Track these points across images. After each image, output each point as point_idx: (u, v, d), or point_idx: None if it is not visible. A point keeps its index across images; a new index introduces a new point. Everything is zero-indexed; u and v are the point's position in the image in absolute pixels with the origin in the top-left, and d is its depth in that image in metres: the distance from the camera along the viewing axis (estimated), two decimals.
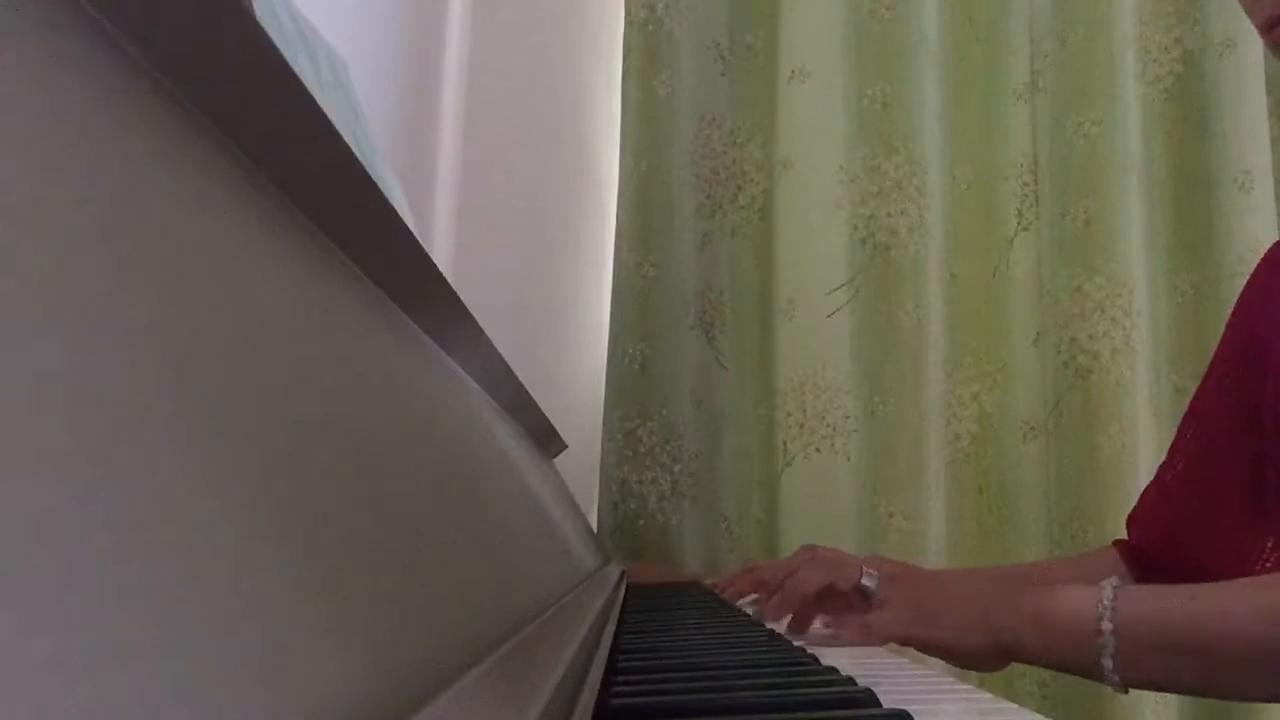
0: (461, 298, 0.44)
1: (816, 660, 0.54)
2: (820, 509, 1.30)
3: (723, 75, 1.44)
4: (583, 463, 1.38)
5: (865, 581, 0.79)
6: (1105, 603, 0.63)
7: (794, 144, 1.37)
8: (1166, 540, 0.91)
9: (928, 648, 0.70)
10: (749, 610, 0.88)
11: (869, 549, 1.25)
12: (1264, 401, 0.83)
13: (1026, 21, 1.46)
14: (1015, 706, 0.45)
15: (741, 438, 1.37)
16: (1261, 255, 0.93)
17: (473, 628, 0.27)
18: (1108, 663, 0.61)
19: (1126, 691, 0.64)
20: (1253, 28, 0.78)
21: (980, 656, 0.68)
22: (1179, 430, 0.95)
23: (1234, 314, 0.93)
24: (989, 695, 0.49)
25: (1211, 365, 0.93)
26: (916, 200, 1.37)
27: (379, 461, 0.25)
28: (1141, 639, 0.61)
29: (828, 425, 1.32)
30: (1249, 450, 0.85)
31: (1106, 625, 0.62)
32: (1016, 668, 1.27)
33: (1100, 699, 1.26)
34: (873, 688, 0.42)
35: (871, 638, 0.70)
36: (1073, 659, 0.64)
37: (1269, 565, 0.84)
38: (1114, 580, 0.65)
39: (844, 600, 0.80)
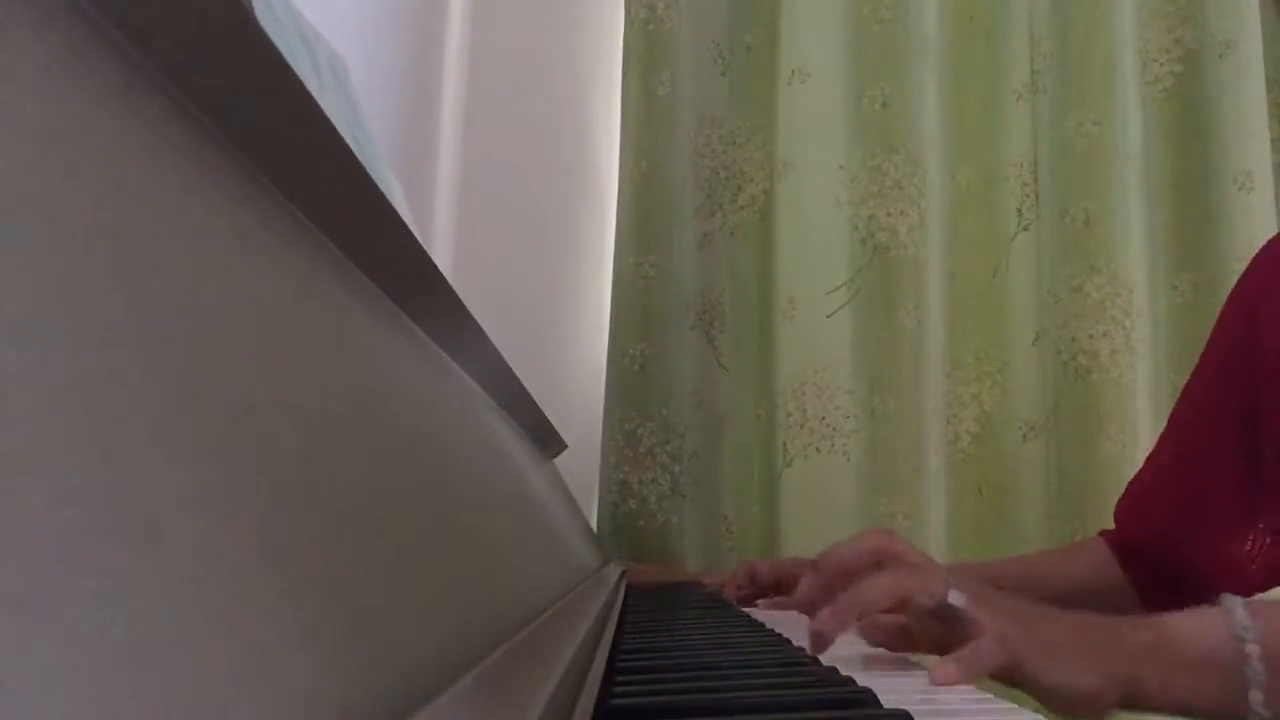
0: (461, 298, 0.44)
1: (816, 660, 0.54)
2: (820, 509, 1.30)
3: (723, 75, 1.43)
4: (583, 463, 1.38)
5: (953, 600, 0.57)
6: (1243, 623, 0.53)
7: (794, 144, 1.37)
8: (1154, 530, 0.91)
9: (1034, 683, 0.54)
10: (749, 612, 0.88)
11: None
12: (1259, 397, 0.84)
13: (1026, 21, 1.46)
14: (1015, 706, 0.45)
15: (741, 438, 1.37)
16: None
17: (473, 627, 0.27)
18: (1256, 695, 0.52)
19: None
20: (1254, 28, 0.79)
21: (1092, 700, 0.53)
22: (1168, 422, 0.96)
23: (1226, 309, 0.93)
24: (989, 695, 0.49)
25: (1202, 360, 0.94)
26: (916, 200, 1.37)
27: (379, 461, 0.25)
28: None
29: (828, 425, 1.32)
30: (1239, 443, 0.86)
31: (1253, 649, 0.52)
32: None
33: None
34: (872, 687, 0.42)
35: (981, 667, 0.53)
36: (1209, 695, 0.53)
37: (1254, 556, 0.85)
38: (1236, 598, 0.55)
39: (917, 620, 0.60)
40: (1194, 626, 0.54)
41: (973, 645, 0.53)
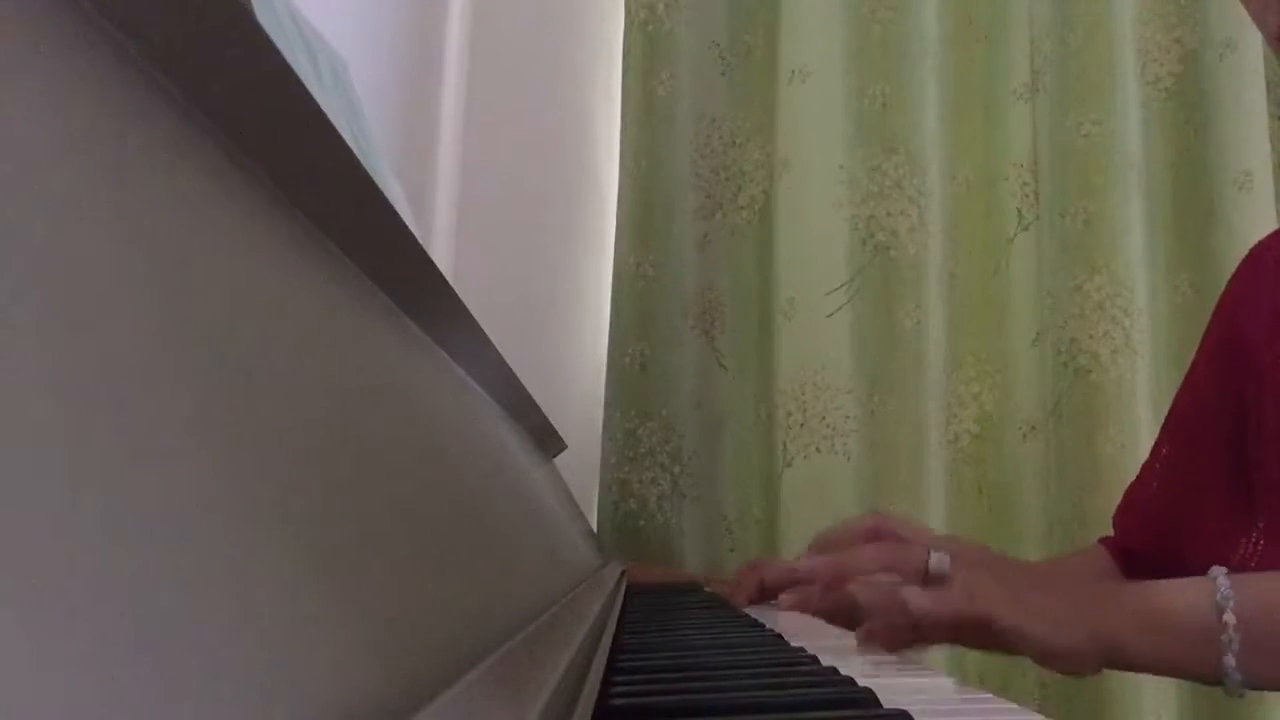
0: (461, 298, 0.44)
1: (816, 660, 0.54)
2: (820, 509, 1.30)
3: (723, 75, 1.43)
4: (583, 463, 1.38)
5: (934, 567, 0.62)
6: (1224, 592, 0.55)
7: (794, 144, 1.37)
8: (1151, 536, 0.92)
9: (1014, 636, 0.56)
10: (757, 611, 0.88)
11: None
12: (1250, 401, 0.84)
13: (1026, 21, 1.46)
14: (1015, 706, 0.45)
15: (741, 438, 1.37)
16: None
17: (472, 628, 0.27)
18: (1230, 661, 0.54)
19: (1243, 695, 0.56)
20: (1253, 28, 0.78)
21: (1077, 657, 0.56)
22: (1163, 427, 0.96)
23: (1217, 312, 0.94)
24: (989, 695, 0.49)
25: (1194, 362, 0.94)
26: (916, 200, 1.37)
27: (378, 462, 0.25)
28: (1268, 630, 0.55)
29: (828, 425, 1.32)
30: (1232, 447, 0.86)
31: (1230, 618, 0.54)
32: (1017, 665, 1.27)
33: (1099, 699, 1.25)
34: (872, 687, 0.42)
35: (944, 610, 0.55)
36: (1188, 659, 0.56)
37: (1248, 561, 0.85)
38: (1221, 568, 0.57)
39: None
40: (1178, 593, 0.57)
41: (950, 589, 0.56)
